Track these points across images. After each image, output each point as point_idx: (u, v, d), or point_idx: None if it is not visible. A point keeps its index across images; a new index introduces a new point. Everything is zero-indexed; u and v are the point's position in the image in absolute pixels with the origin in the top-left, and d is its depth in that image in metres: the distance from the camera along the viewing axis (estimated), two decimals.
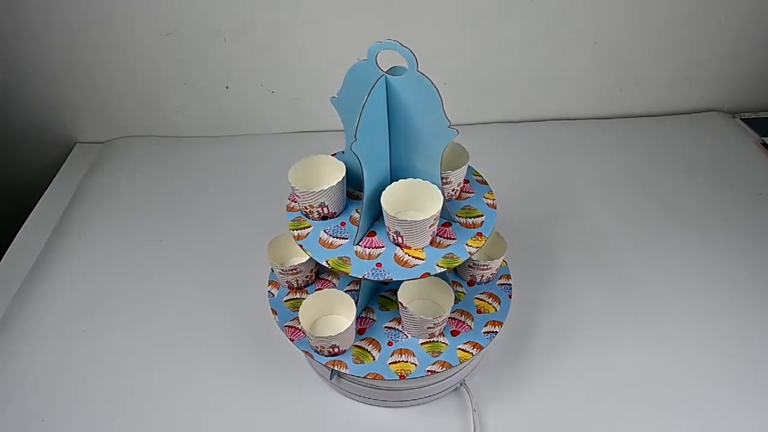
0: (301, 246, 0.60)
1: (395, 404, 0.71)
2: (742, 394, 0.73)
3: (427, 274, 0.57)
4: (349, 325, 0.61)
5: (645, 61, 1.17)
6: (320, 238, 0.61)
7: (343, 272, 0.57)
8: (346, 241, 0.60)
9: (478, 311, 0.69)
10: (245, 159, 1.17)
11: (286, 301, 0.71)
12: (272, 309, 0.70)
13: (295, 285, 0.71)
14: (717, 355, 0.77)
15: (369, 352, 0.65)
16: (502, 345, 0.78)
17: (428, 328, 0.63)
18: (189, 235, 0.98)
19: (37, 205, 1.09)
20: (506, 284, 0.73)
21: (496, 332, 0.67)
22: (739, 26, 1.12)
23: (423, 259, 0.58)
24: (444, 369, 0.63)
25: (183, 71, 1.13)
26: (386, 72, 0.54)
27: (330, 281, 0.73)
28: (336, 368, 0.63)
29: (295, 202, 0.65)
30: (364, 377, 0.62)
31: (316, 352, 0.64)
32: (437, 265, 0.57)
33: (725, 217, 0.99)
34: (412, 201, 0.61)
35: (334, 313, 0.68)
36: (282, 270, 0.69)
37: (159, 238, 0.98)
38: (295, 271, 0.69)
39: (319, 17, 1.06)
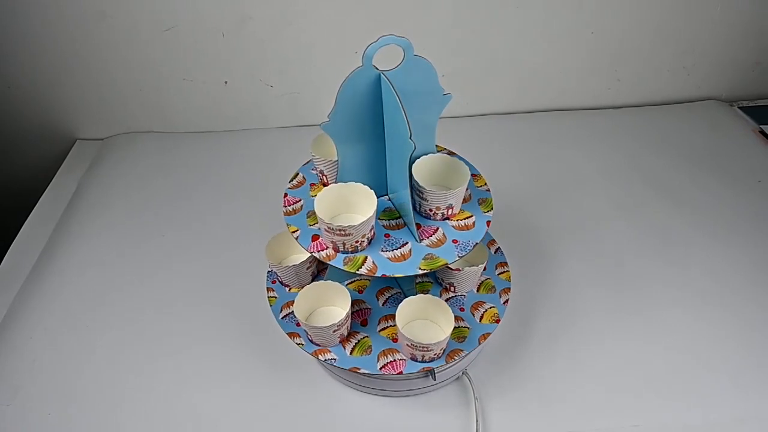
0: (384, 275, 0.56)
1: (398, 394, 0.74)
2: (742, 382, 0.72)
3: (489, 223, 0.62)
4: (450, 315, 0.62)
5: (642, 51, 1.16)
6: (388, 258, 0.58)
7: (442, 266, 0.57)
8: (409, 244, 0.59)
9: None
10: (245, 153, 1.16)
11: (351, 352, 0.64)
12: (353, 369, 0.62)
13: (346, 333, 0.65)
14: (717, 343, 0.77)
15: (458, 327, 0.67)
16: (502, 335, 0.77)
17: (481, 275, 0.69)
18: (190, 230, 0.97)
19: (38, 202, 1.08)
20: None
21: (500, 247, 0.77)
22: (736, 15, 1.12)
23: (472, 215, 0.63)
24: (508, 294, 0.71)
25: (182, 67, 1.12)
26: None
27: (364, 308, 0.69)
28: (456, 358, 0.63)
29: (325, 249, 0.58)
30: (479, 344, 0.65)
31: (432, 361, 0.63)
32: (484, 213, 0.63)
33: (724, 205, 0.98)
34: (427, 176, 0.63)
35: (409, 323, 0.66)
36: (337, 327, 0.61)
37: (160, 233, 0.97)
38: (346, 318, 0.63)
39: (316, 11, 1.05)
